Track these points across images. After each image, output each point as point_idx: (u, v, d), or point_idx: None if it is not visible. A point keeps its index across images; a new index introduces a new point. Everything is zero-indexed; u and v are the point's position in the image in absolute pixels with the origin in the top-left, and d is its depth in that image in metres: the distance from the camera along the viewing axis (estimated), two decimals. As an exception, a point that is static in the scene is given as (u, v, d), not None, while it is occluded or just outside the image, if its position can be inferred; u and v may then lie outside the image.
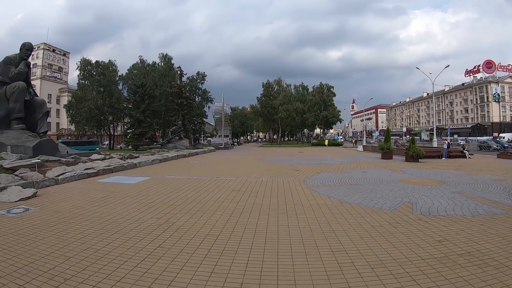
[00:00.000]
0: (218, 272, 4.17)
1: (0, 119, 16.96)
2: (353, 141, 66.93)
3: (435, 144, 35.12)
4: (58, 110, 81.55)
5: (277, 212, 7.34)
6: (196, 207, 8.00)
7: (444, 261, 4.38)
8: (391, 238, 5.39)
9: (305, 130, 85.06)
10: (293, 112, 67.19)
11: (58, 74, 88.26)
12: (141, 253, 4.88)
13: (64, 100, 75.29)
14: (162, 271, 4.23)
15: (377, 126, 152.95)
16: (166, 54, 60.99)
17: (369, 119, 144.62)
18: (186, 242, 5.35)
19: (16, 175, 11.48)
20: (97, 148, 38.19)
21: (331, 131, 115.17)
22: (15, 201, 8.62)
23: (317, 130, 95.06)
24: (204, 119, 71.29)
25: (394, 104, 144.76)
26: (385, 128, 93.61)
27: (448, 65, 42.50)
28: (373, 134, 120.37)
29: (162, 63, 60.12)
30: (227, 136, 69.30)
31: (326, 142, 61.18)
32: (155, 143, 48.33)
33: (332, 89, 71.31)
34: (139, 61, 59.87)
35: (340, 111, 74.00)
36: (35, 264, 4.43)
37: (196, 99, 63.33)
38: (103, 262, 4.54)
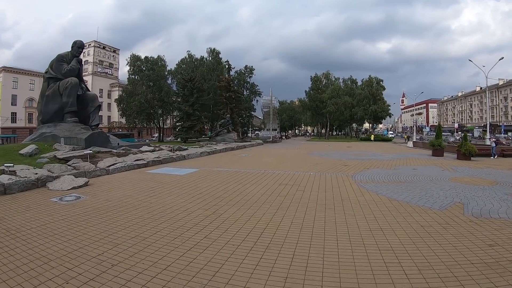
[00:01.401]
0: (263, 265, 4.16)
1: (54, 113, 18.32)
2: (405, 137, 64.10)
3: (488, 142, 32.76)
4: (109, 104, 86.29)
5: (324, 208, 7.24)
6: (243, 200, 8.05)
7: (494, 266, 4.11)
8: (440, 239, 5.14)
9: (354, 124, 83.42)
10: (342, 106, 66.19)
11: (108, 70, 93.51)
12: (187, 243, 4.99)
13: (115, 94, 79.71)
14: (208, 261, 4.29)
15: (427, 122, 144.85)
16: (214, 49, 61.84)
17: (420, 114, 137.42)
18: (232, 234, 5.40)
19: (69, 165, 12.33)
20: (135, 141, 39.42)
21: (380, 126, 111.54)
22: (68, 190, 9.22)
23: (366, 125, 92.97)
24: (252, 113, 71.71)
25: (445, 98, 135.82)
26: (436, 124, 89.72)
27: (502, 57, 38.65)
28: (423, 129, 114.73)
29: (210, 58, 61.00)
30: (275, 129, 69.17)
31: (372, 137, 60.00)
32: (203, 136, 49.44)
33: (381, 82, 69.68)
34: (187, 56, 61.24)
35: (389, 106, 72.16)
36: (84, 249, 4.69)
37: (244, 93, 63.92)
38: (150, 250, 4.70)
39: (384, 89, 69.71)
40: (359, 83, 74.43)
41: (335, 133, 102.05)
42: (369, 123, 78.12)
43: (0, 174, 10.06)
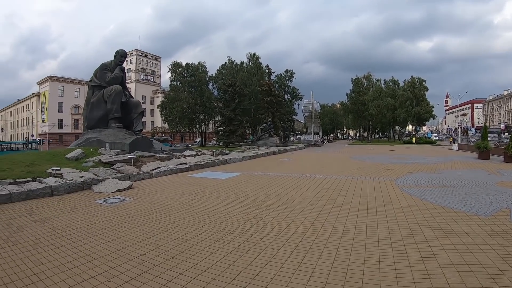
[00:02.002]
0: (302, 270, 4.11)
1: (99, 119, 19.33)
2: (450, 139, 61.32)
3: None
4: (152, 110, 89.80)
5: (366, 212, 7.06)
6: (285, 204, 7.99)
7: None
8: (485, 247, 4.83)
9: (396, 127, 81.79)
10: (384, 108, 65.22)
11: (151, 77, 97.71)
12: (228, 246, 5.02)
13: (157, 100, 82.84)
14: (247, 265, 4.29)
15: (472, 123, 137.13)
16: (254, 54, 62.74)
17: (464, 114, 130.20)
18: (273, 238, 5.36)
19: (113, 168, 12.94)
20: (168, 146, 40.52)
21: (424, 128, 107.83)
22: (112, 192, 9.62)
23: (409, 127, 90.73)
24: (294, 117, 72.02)
25: (491, 97, 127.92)
26: (481, 125, 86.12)
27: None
28: (468, 131, 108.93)
29: (250, 63, 61.95)
30: (317, 133, 68.61)
31: (414, 139, 58.35)
32: (245, 140, 50.09)
33: (424, 82, 67.78)
34: (227, 61, 62.50)
35: (433, 107, 69.94)
36: (127, 250, 4.84)
37: (286, 97, 64.40)
38: (191, 252, 4.76)
39: (427, 89, 68.08)
40: (401, 84, 72.80)
41: (377, 136, 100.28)
42: (413, 125, 76.45)
43: (47, 176, 10.73)
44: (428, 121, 75.92)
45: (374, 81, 75.62)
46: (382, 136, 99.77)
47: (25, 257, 4.54)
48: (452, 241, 5.09)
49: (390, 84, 75.39)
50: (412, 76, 69.31)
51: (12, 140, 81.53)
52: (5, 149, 48.51)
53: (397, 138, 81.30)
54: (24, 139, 61.16)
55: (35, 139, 64.62)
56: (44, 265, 4.28)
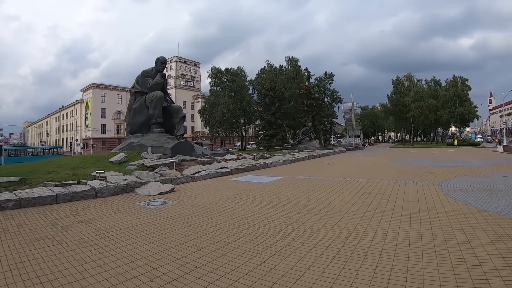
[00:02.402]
0: (344, 275, 4.03)
1: (141, 124, 20.02)
2: (496, 140, 58.10)
3: None
4: (192, 115, 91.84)
5: (409, 218, 6.84)
6: (326, 208, 7.88)
7: None
8: None
9: (439, 128, 79.52)
10: (426, 110, 63.90)
11: (191, 82, 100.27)
12: (269, 249, 4.99)
13: (198, 105, 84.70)
14: (289, 269, 4.24)
15: None
16: (293, 57, 62.66)
17: (509, 114, 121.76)
18: (314, 243, 5.29)
19: (156, 172, 13.27)
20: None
21: (468, 129, 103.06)
22: (155, 195, 9.86)
23: (452, 129, 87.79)
24: (334, 120, 71.16)
25: None
26: None
27: None
28: None
29: (289, 66, 62.01)
30: (358, 136, 67.56)
31: (455, 142, 56.85)
32: (285, 144, 50.04)
33: (466, 82, 65.94)
34: (266, 65, 62.96)
35: (476, 107, 68.12)
36: (169, 251, 4.93)
37: (325, 100, 63.91)
38: (232, 255, 4.76)
39: (470, 88, 66.29)
40: (443, 83, 71.12)
41: (419, 138, 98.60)
42: (456, 126, 74.68)
43: (91, 179, 11.17)
44: (472, 122, 74.22)
45: (415, 81, 74.27)
46: (425, 139, 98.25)
47: (70, 256, 4.74)
48: (498, 249, 4.85)
49: (432, 84, 73.99)
50: (454, 75, 68.30)
51: (56, 144, 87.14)
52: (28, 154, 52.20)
53: (439, 140, 79.70)
54: (41, 144, 66.04)
55: (59, 145, 69.00)
56: (88, 264, 4.43)
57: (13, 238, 5.64)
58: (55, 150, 60.51)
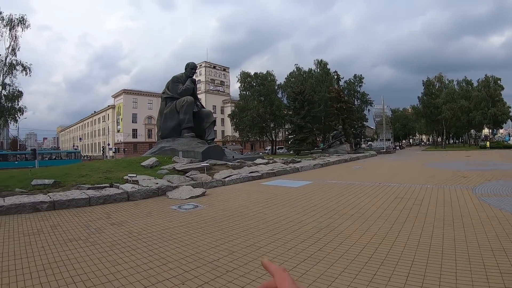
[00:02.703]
0: (376, 282, 3.95)
1: (172, 129, 20.42)
2: None
3: None
4: (222, 119, 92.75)
5: (442, 223, 6.62)
6: (358, 213, 7.76)
7: None
8: None
9: (472, 131, 76.94)
10: (458, 111, 62.41)
11: (220, 87, 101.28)
12: (301, 254, 4.95)
13: (228, 110, 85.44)
14: (320, 274, 4.20)
15: None
16: (321, 60, 62.56)
17: None
18: (346, 248, 5.21)
19: (187, 176, 13.47)
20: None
21: (501, 131, 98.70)
22: (186, 199, 10.00)
23: (485, 131, 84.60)
24: (365, 123, 70.13)
25: None
26: None
27: None
28: None
29: (318, 69, 61.90)
30: (389, 139, 66.13)
31: (488, 144, 55.01)
32: (316, 148, 49.76)
33: (499, 81, 63.93)
34: (295, 69, 63.06)
35: (510, 107, 66.05)
36: (201, 254, 4.96)
37: (355, 103, 63.41)
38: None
39: (502, 88, 64.41)
40: (475, 84, 69.20)
41: (451, 141, 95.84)
42: (489, 128, 72.27)
43: (124, 183, 11.46)
44: (506, 123, 71.95)
45: (446, 82, 72.38)
46: (457, 141, 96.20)
47: (103, 257, 4.86)
48: (534, 256, 4.63)
49: (463, 84, 72.37)
50: (486, 75, 66.58)
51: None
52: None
53: (472, 142, 77.36)
54: (73, 148, 66.74)
55: (76, 149, 70.46)
56: (120, 265, 4.54)
57: (47, 239, 5.87)
58: (72, 155, 57.62)
